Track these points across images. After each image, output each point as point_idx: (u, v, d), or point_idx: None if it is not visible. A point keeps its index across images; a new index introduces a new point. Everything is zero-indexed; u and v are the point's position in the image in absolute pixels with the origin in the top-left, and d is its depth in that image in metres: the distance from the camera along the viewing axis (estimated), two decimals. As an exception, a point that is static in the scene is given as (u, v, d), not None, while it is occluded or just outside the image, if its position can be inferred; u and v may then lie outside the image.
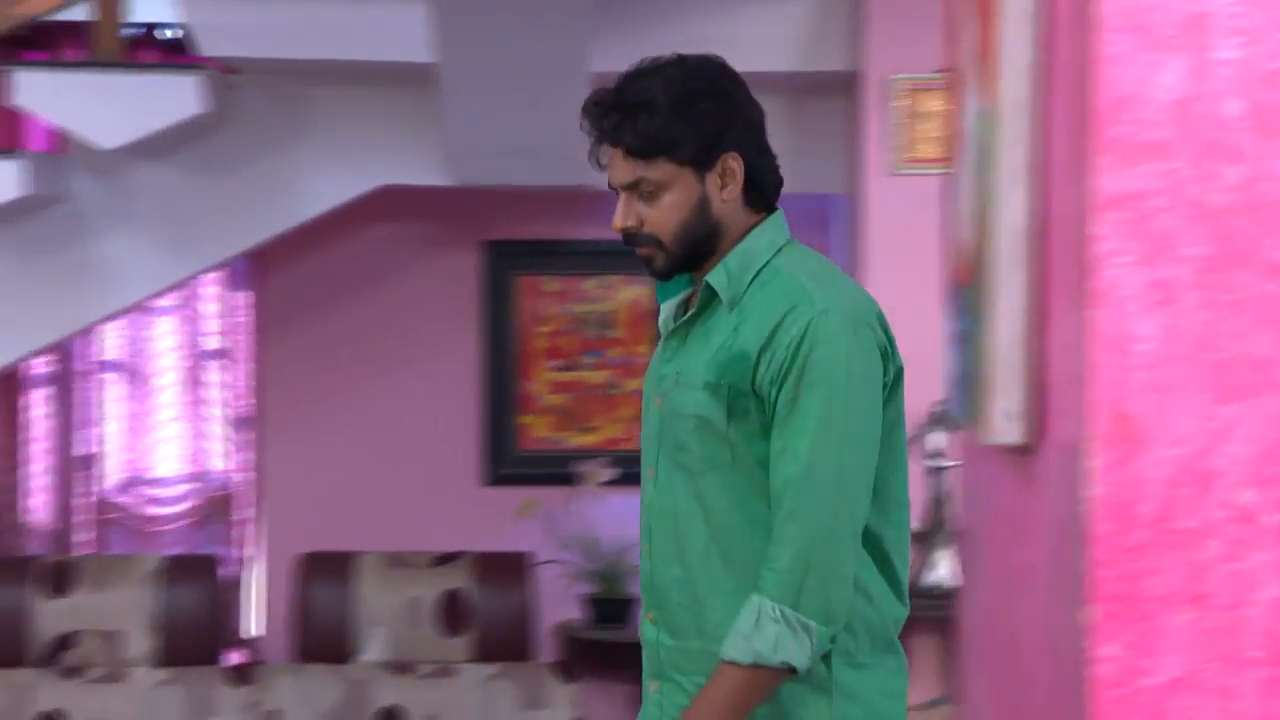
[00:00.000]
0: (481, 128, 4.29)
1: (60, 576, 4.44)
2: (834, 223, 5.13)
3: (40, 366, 5.10)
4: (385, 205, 4.70)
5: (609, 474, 5.09)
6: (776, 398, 2.69)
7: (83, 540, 5.19)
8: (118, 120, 4.22)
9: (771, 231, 2.83)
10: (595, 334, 5.26)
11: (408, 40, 4.13)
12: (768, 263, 2.78)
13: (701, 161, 2.73)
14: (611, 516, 5.11)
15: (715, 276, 2.75)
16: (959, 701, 4.38)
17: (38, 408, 5.20)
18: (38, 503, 5.18)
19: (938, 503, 4.41)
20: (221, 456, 5.30)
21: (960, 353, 2.34)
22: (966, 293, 2.29)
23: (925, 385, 4.38)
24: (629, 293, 5.28)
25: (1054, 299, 1.86)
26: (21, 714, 4.25)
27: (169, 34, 4.93)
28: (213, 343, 5.36)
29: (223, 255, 4.63)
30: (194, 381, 5.31)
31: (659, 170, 2.73)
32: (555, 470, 5.15)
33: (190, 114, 4.23)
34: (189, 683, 4.42)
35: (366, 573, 4.55)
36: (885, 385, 2.73)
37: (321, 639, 4.51)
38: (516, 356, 5.23)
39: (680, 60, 2.87)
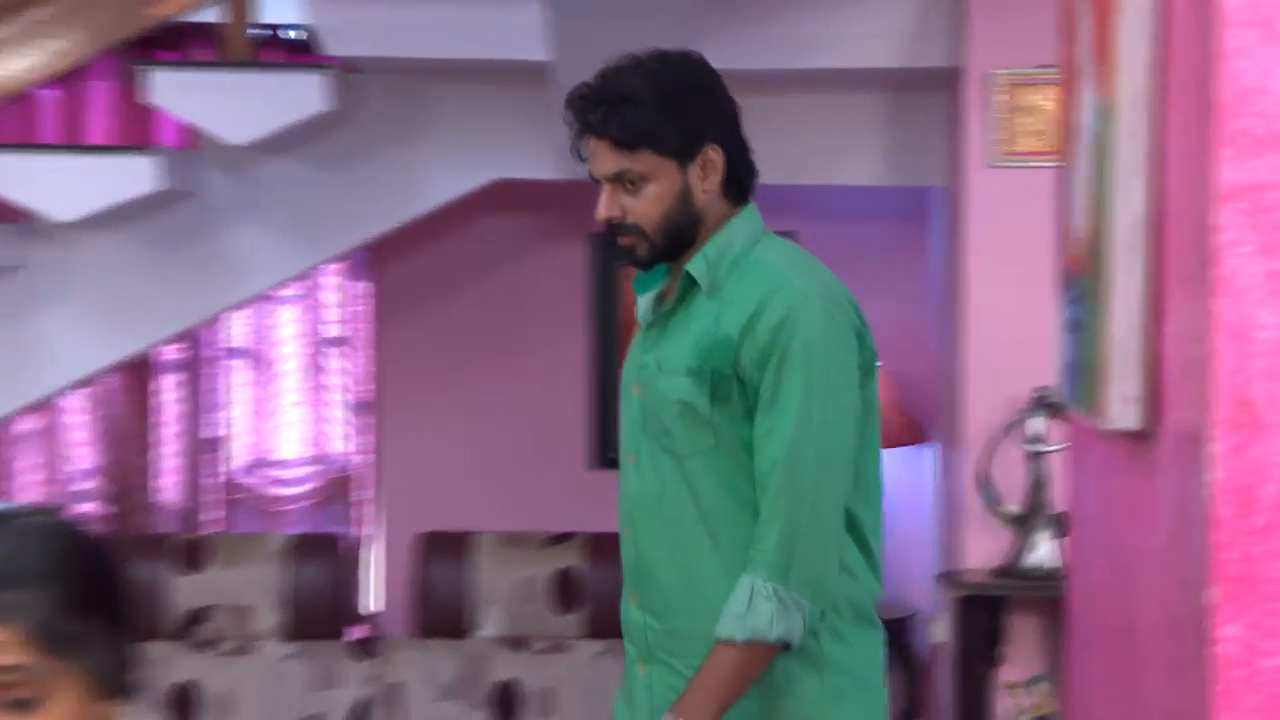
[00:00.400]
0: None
1: (193, 554, 4.47)
2: (933, 214, 5.11)
3: (170, 353, 5.15)
4: (499, 198, 4.72)
5: None
6: (759, 381, 2.71)
7: (210, 519, 5.25)
8: (246, 117, 4.24)
9: (747, 222, 2.84)
10: None
11: (523, 39, 4.14)
12: (745, 252, 2.80)
13: (684, 153, 2.77)
14: None
15: (695, 265, 2.77)
16: (1062, 679, 4.36)
17: (168, 392, 5.26)
18: (168, 483, 5.24)
19: (1037, 486, 4.37)
20: (341, 439, 5.35)
21: (1074, 340, 2.33)
22: (1081, 282, 2.26)
23: (1024, 372, 4.40)
24: (736, 282, 5.27)
25: (1171, 288, 1.84)
26: (158, 684, 4.28)
27: (293, 35, 4.95)
28: (333, 330, 5.40)
29: (344, 246, 4.66)
30: (315, 368, 5.34)
31: (643, 162, 2.76)
32: None
33: (315, 111, 4.25)
34: (315, 656, 4.45)
35: (483, 552, 4.57)
36: (860, 368, 2.75)
37: (440, 615, 4.54)
38: (622, 344, 5.23)
39: (662, 55, 2.85)
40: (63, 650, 1.66)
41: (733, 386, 2.74)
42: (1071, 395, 2.36)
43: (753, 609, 2.64)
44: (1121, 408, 1.95)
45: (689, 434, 2.78)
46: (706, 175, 2.79)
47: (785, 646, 2.66)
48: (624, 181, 2.78)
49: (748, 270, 2.79)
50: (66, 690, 1.67)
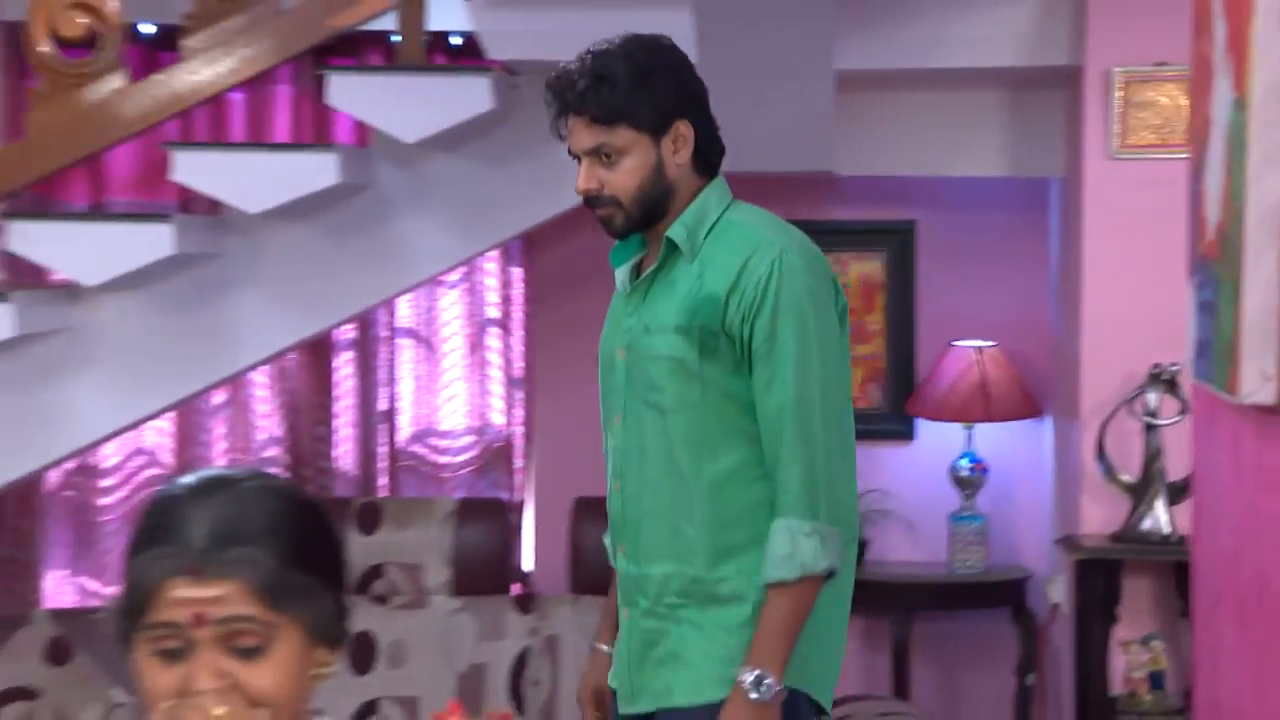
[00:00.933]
0: (736, 119, 4.27)
1: (368, 516, 4.53)
2: (1050, 203, 5.08)
3: (346, 333, 5.18)
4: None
5: None
6: (751, 333, 2.72)
7: (381, 484, 5.27)
8: (416, 117, 4.25)
9: (718, 192, 2.89)
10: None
11: (674, 40, 4.13)
12: (720, 217, 2.83)
13: (657, 128, 2.80)
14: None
15: (675, 232, 2.80)
16: (1178, 638, 4.34)
17: (344, 369, 5.27)
18: (343, 451, 5.26)
19: (1152, 457, 4.34)
20: (499, 412, 5.35)
21: (1205, 320, 2.33)
22: (1213, 266, 2.27)
23: (1139, 350, 4.38)
24: (859, 267, 5.26)
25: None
26: (340, 635, 4.33)
27: (456, 41, 4.97)
28: (491, 312, 5.39)
29: (502, 236, 4.67)
30: (475, 346, 5.35)
31: (620, 137, 2.79)
32: None
33: (479, 111, 4.24)
34: (480, 610, 4.50)
35: (638, 515, 4.60)
36: (838, 315, 2.80)
37: (593, 573, 4.55)
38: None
39: (636, 38, 2.91)
40: (284, 603, 1.67)
41: (720, 341, 2.74)
42: (1202, 372, 2.35)
43: (797, 548, 2.65)
44: (1258, 383, 1.94)
45: (678, 388, 2.77)
46: (678, 149, 2.82)
47: (828, 575, 2.69)
48: (601, 155, 2.80)
49: (724, 232, 2.81)
50: (288, 639, 1.69)
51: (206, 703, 1.64)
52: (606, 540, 3.02)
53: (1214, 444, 2.52)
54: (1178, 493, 4.30)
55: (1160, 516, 4.35)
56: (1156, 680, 4.40)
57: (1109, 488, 4.43)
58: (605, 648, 3.00)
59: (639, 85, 2.81)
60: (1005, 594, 5.03)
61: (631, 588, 2.87)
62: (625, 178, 2.80)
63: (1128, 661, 4.41)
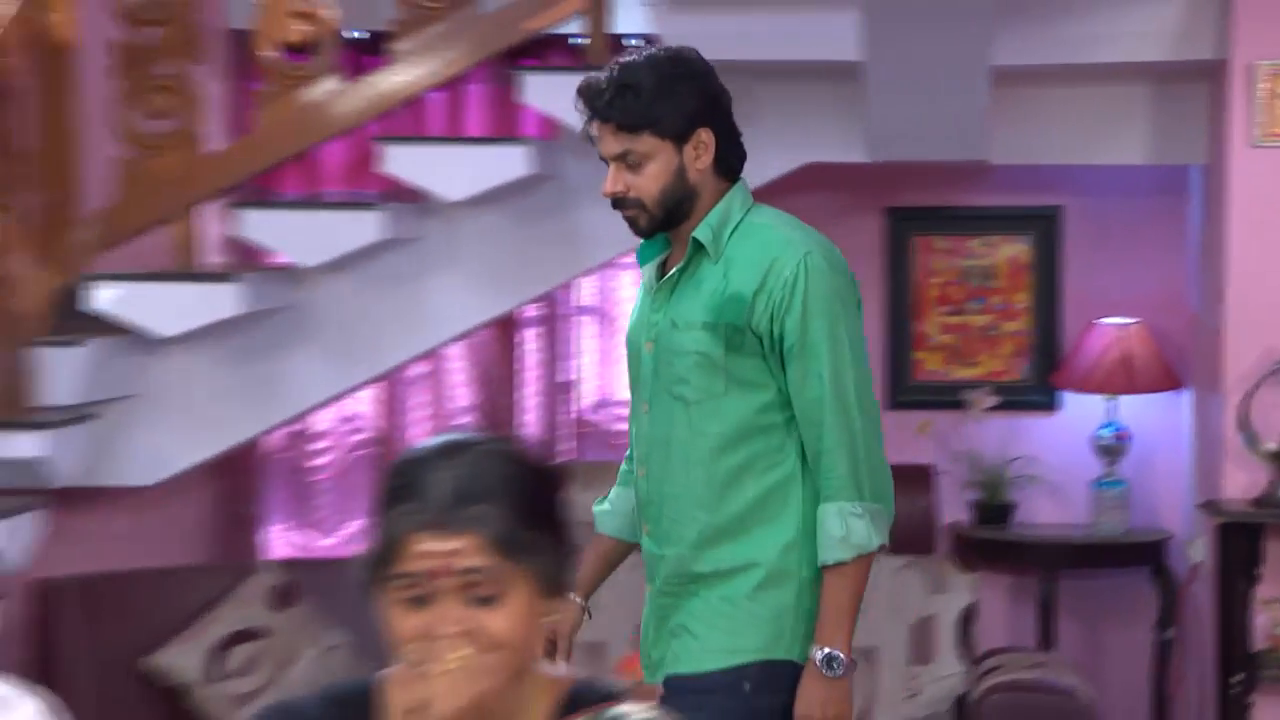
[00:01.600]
0: (897, 113, 4.26)
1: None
2: (1192, 189, 4.98)
3: (531, 311, 5.21)
4: (806, 179, 4.67)
5: (991, 401, 5.03)
6: (782, 332, 2.70)
7: (565, 449, 5.31)
8: (600, 111, 4.26)
9: (741, 195, 2.82)
10: (979, 284, 5.19)
11: (839, 42, 4.11)
12: (742, 219, 2.78)
13: (680, 135, 2.75)
14: (992, 436, 5.06)
15: (701, 233, 2.75)
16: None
17: (529, 344, 5.32)
18: (529, 419, 5.31)
19: None
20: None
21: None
22: None
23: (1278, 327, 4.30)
24: (1008, 250, 5.19)
25: None
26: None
27: (635, 42, 4.96)
28: None
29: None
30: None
31: (643, 143, 2.74)
32: (945, 397, 5.11)
33: (658, 105, 4.25)
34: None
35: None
36: (859, 305, 2.80)
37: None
38: (912, 303, 5.20)
39: (664, 49, 2.87)
40: (516, 555, 1.68)
41: (745, 338, 2.71)
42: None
43: (850, 530, 2.64)
44: None
45: (703, 381, 2.74)
46: (699, 155, 2.76)
47: (881, 548, 2.69)
48: (627, 161, 2.76)
49: (747, 234, 2.76)
50: (519, 589, 1.69)
51: (448, 647, 1.65)
52: (596, 507, 3.07)
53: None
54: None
55: (1303, 484, 4.26)
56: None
57: (1250, 456, 4.33)
58: (572, 595, 2.99)
59: (662, 94, 2.76)
60: (1145, 554, 4.96)
61: (652, 565, 2.86)
62: (649, 182, 2.76)
63: (1269, 619, 4.34)
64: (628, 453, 3.02)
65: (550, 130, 4.67)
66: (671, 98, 2.75)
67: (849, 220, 5.17)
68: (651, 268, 2.87)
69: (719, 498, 2.77)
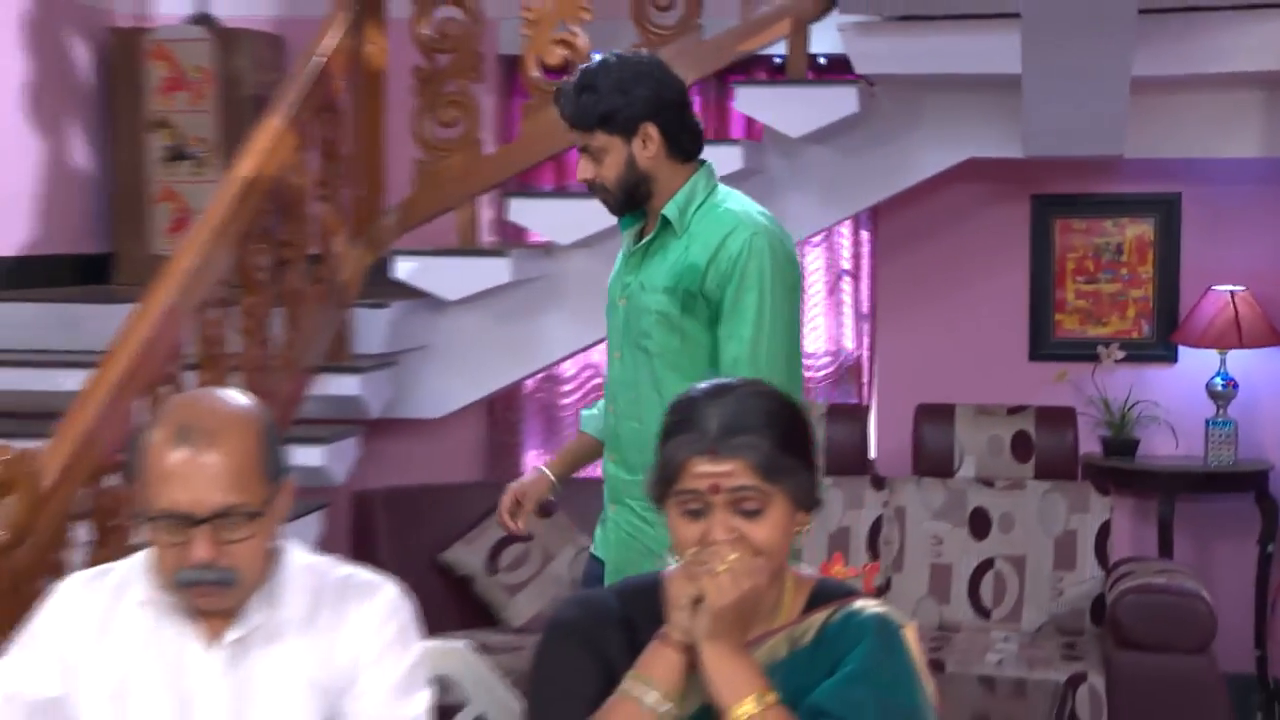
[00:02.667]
0: (1049, 116, 4.16)
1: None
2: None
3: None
4: (966, 172, 4.62)
5: (1119, 354, 4.92)
6: (722, 297, 2.60)
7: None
8: (800, 118, 4.25)
9: (705, 178, 2.72)
10: (1109, 259, 5.07)
11: (1000, 58, 4.01)
12: (705, 200, 2.68)
13: (627, 131, 2.65)
14: (1120, 384, 4.95)
15: (669, 210, 2.66)
16: None
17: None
18: None
19: None
20: (850, 339, 5.30)
21: None
22: None
23: None
24: (1134, 230, 5.05)
25: None
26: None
27: (821, 60, 4.91)
28: (845, 264, 5.33)
29: (860, 207, 4.65)
30: (833, 290, 5.31)
31: (598, 139, 2.67)
32: (1080, 351, 5.01)
33: (847, 113, 4.23)
34: (845, 487, 4.48)
35: (961, 417, 4.54)
36: (799, 282, 2.69)
37: (932, 461, 4.52)
38: (1053, 274, 5.09)
39: (618, 56, 2.74)
40: (775, 477, 1.70)
41: (698, 301, 2.63)
42: None
43: None
44: None
45: (662, 337, 2.66)
46: (646, 146, 2.65)
47: None
48: (590, 152, 2.69)
49: (708, 213, 2.67)
50: (778, 505, 1.71)
51: (722, 550, 1.68)
52: (584, 411, 3.00)
53: None
54: None
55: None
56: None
57: None
58: (546, 470, 2.97)
59: (611, 96, 2.66)
60: (1251, 482, 4.81)
61: (615, 487, 2.80)
62: (608, 170, 2.69)
63: None
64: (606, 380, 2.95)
65: (756, 132, 4.66)
66: (619, 98, 2.66)
67: (1001, 206, 5.09)
68: (630, 235, 2.80)
69: None
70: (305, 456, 3.66)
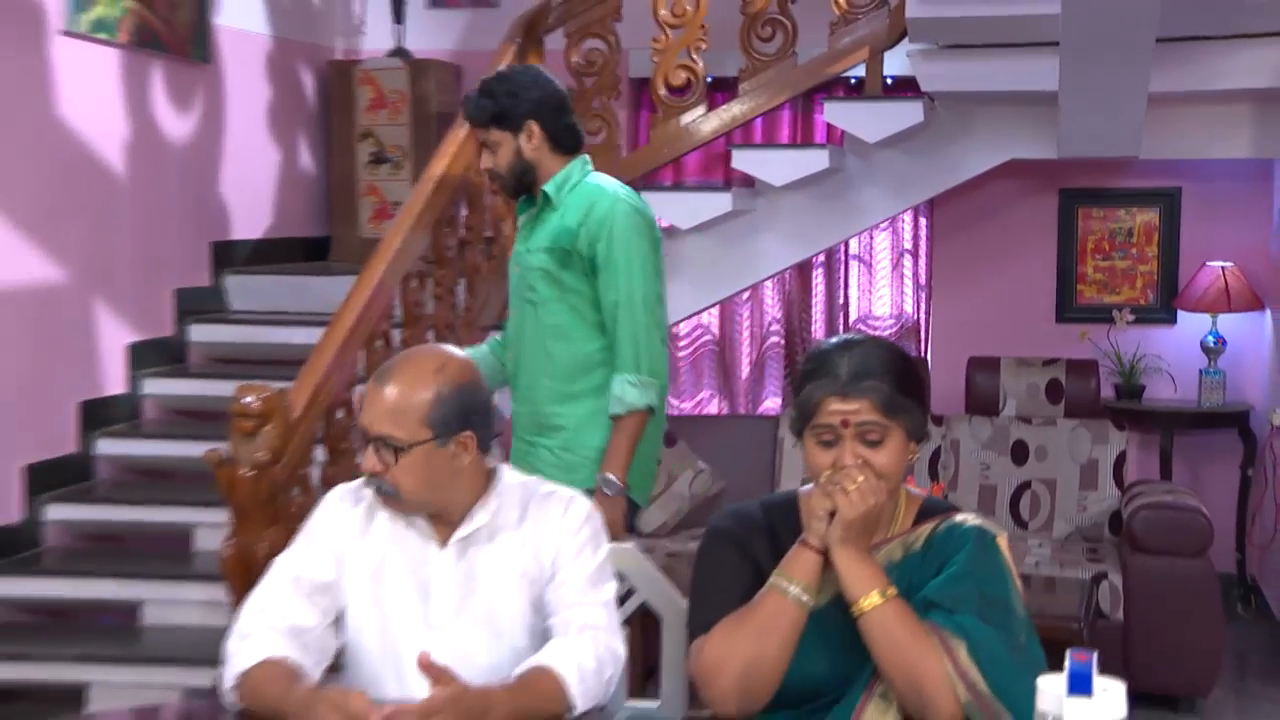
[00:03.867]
0: (1080, 125, 4.05)
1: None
2: (1275, 174, 4.65)
3: (819, 258, 5.08)
4: (1007, 170, 4.51)
5: (1130, 317, 4.81)
6: (593, 253, 2.56)
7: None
8: (875, 126, 4.18)
9: (580, 165, 2.67)
10: (1122, 240, 4.94)
11: (1040, 78, 3.89)
12: (579, 181, 2.64)
13: (514, 127, 2.62)
14: (1131, 341, 4.83)
15: (549, 187, 2.63)
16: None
17: (818, 279, 5.19)
18: (815, 330, 5.18)
19: None
20: (910, 306, 5.22)
21: None
22: None
23: None
24: (1143, 217, 4.92)
25: None
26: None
27: (888, 80, 4.79)
28: (906, 245, 5.24)
29: (920, 199, 4.56)
30: (896, 265, 5.24)
31: (493, 135, 2.64)
32: (1098, 315, 4.91)
33: (914, 122, 4.15)
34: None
35: (1005, 367, 4.46)
36: (657, 240, 2.60)
37: (981, 402, 4.45)
38: (1076, 252, 4.98)
39: (510, 69, 2.73)
40: (893, 414, 1.66)
41: (573, 257, 2.58)
42: None
43: (625, 393, 2.49)
44: None
45: (544, 289, 2.61)
46: (530, 140, 2.61)
47: (650, 411, 2.52)
48: (488, 145, 2.64)
49: (578, 190, 2.63)
50: (895, 437, 1.68)
51: (852, 473, 1.65)
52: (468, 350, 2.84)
53: None
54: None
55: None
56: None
57: None
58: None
59: (502, 99, 2.62)
60: (1235, 420, 4.70)
61: (517, 418, 2.75)
62: (500, 161, 2.64)
63: None
64: (504, 333, 2.88)
65: (836, 138, 4.59)
66: (508, 101, 2.63)
67: (1034, 198, 4.98)
68: (526, 215, 2.74)
69: (555, 368, 2.64)
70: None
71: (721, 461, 4.45)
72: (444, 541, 1.80)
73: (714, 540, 1.76)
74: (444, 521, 1.80)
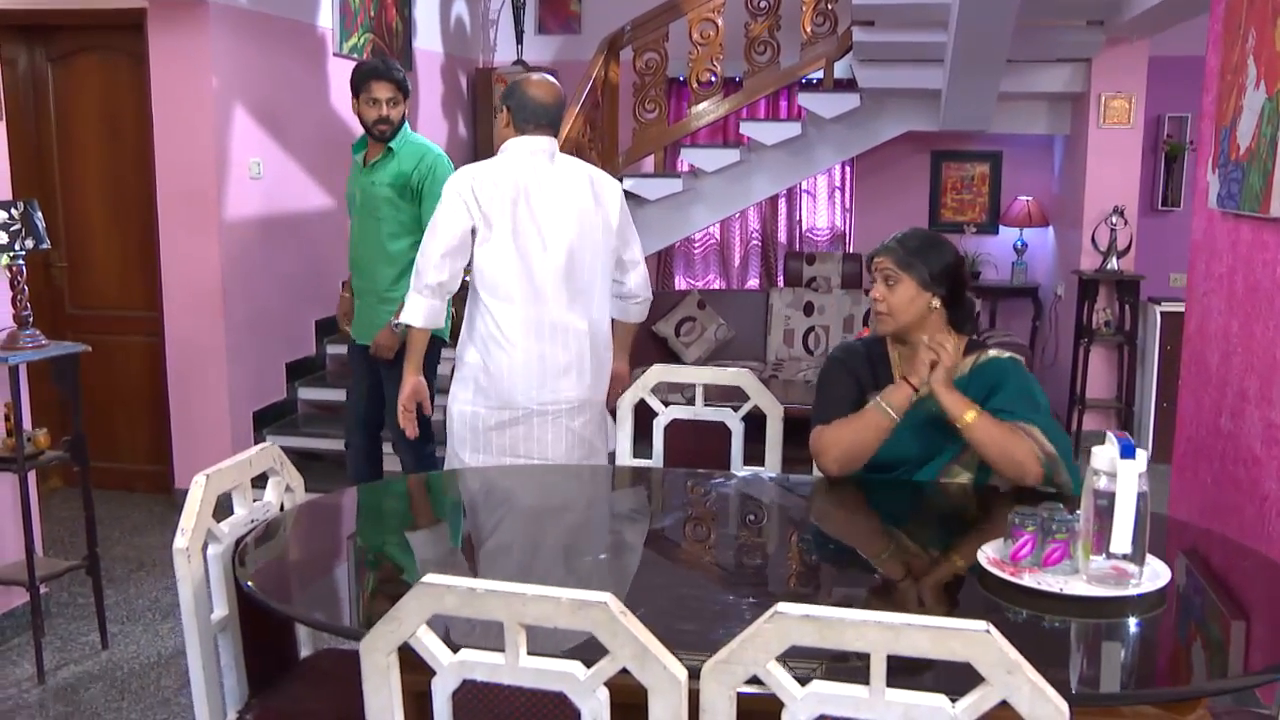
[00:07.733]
0: (954, 109, 4.17)
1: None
2: (1058, 146, 4.70)
3: (783, 191, 4.92)
4: (903, 139, 4.62)
5: (972, 230, 4.91)
6: (420, 191, 2.42)
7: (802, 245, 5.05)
8: (828, 108, 4.18)
9: (407, 126, 2.51)
10: (968, 182, 5.05)
11: (929, 80, 4.06)
12: (408, 139, 2.49)
13: (407, 95, 2.46)
14: (971, 244, 4.93)
15: (395, 143, 2.48)
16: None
17: (782, 204, 5.00)
18: (780, 237, 5.04)
19: (1113, 242, 4.16)
20: (839, 221, 4.94)
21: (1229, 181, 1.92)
22: (1244, 165, 1.82)
23: (1111, 196, 4.15)
24: (980, 169, 5.02)
25: None
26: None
27: (838, 80, 4.47)
28: (838, 182, 4.98)
29: (851, 154, 4.38)
30: (831, 195, 4.96)
31: (397, 96, 2.47)
32: (953, 229, 4.98)
33: (852, 107, 4.20)
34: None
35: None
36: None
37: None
38: (941, 189, 5.10)
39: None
40: (904, 267, 1.59)
41: (406, 191, 2.45)
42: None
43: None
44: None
45: (387, 211, 2.47)
46: (404, 106, 2.49)
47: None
48: (395, 103, 2.47)
49: (410, 144, 2.50)
50: (906, 284, 1.57)
51: (946, 340, 1.59)
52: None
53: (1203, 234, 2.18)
54: (1122, 254, 4.08)
55: (1114, 263, 4.11)
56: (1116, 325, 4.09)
57: (1094, 254, 4.19)
58: (346, 294, 2.66)
59: (405, 81, 2.51)
60: (1030, 292, 4.85)
61: (364, 293, 2.57)
62: (396, 114, 2.48)
63: (1099, 317, 4.15)
64: (350, 235, 2.63)
65: (806, 117, 4.55)
66: (407, 84, 2.53)
67: (917, 155, 5.12)
68: (360, 155, 2.56)
69: (390, 258, 2.52)
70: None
71: (730, 317, 4.45)
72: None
73: (831, 363, 1.67)
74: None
